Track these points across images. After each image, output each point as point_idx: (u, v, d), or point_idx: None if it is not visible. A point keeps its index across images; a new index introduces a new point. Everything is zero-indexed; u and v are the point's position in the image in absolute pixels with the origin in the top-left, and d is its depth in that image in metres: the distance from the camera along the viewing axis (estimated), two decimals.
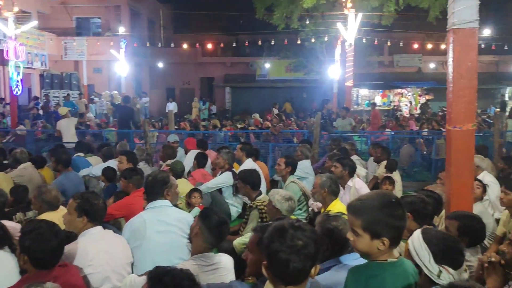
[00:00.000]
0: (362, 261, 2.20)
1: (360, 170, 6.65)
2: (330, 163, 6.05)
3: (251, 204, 4.79)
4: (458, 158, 3.75)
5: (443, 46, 21.45)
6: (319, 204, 4.92)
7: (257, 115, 17.82)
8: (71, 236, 3.23)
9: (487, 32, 24.79)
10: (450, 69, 3.76)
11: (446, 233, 2.73)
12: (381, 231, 2.06)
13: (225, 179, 6.08)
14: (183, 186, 5.91)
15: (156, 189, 3.61)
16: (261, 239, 2.12)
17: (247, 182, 5.01)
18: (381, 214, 2.06)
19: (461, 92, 3.71)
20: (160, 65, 27.91)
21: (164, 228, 3.44)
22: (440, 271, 2.21)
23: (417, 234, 2.35)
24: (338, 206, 4.28)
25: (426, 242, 2.28)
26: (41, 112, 18.47)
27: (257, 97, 28.52)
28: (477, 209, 4.31)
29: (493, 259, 2.41)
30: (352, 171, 5.45)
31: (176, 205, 4.96)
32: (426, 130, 13.60)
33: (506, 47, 23.71)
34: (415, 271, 2.17)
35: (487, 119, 15.34)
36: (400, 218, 2.09)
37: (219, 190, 6.06)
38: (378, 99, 28.99)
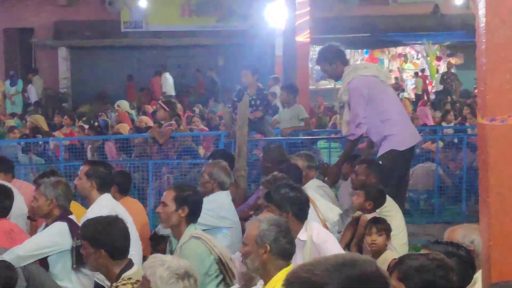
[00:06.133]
0: None
1: (329, 209, 4.02)
2: (263, 202, 3.57)
3: None
4: (500, 171, 2.32)
5: None
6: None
7: (124, 104, 10.71)
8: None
9: None
10: (481, 11, 2.31)
11: None
12: None
13: (52, 238, 3.70)
14: None
15: None
16: None
17: (100, 245, 2.93)
18: None
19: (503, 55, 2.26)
20: None
21: None
22: None
23: None
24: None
25: None
26: None
27: (124, 68, 16.31)
28: None
29: None
30: (302, 214, 3.28)
31: None
32: (450, 125, 8.39)
33: None
34: None
35: None
36: None
37: (45, 261, 3.66)
38: None
